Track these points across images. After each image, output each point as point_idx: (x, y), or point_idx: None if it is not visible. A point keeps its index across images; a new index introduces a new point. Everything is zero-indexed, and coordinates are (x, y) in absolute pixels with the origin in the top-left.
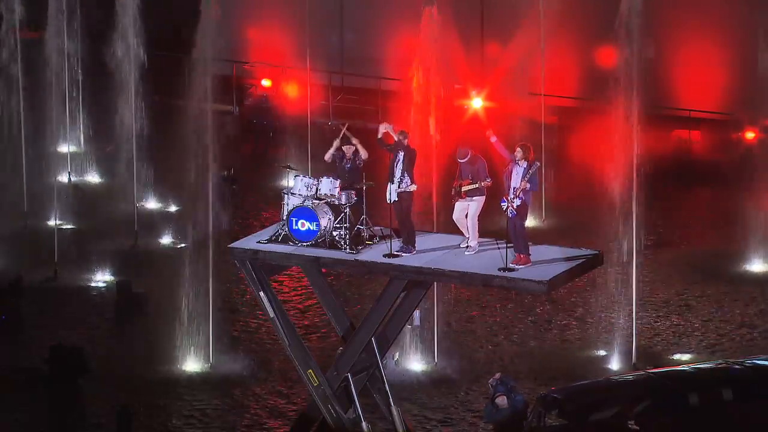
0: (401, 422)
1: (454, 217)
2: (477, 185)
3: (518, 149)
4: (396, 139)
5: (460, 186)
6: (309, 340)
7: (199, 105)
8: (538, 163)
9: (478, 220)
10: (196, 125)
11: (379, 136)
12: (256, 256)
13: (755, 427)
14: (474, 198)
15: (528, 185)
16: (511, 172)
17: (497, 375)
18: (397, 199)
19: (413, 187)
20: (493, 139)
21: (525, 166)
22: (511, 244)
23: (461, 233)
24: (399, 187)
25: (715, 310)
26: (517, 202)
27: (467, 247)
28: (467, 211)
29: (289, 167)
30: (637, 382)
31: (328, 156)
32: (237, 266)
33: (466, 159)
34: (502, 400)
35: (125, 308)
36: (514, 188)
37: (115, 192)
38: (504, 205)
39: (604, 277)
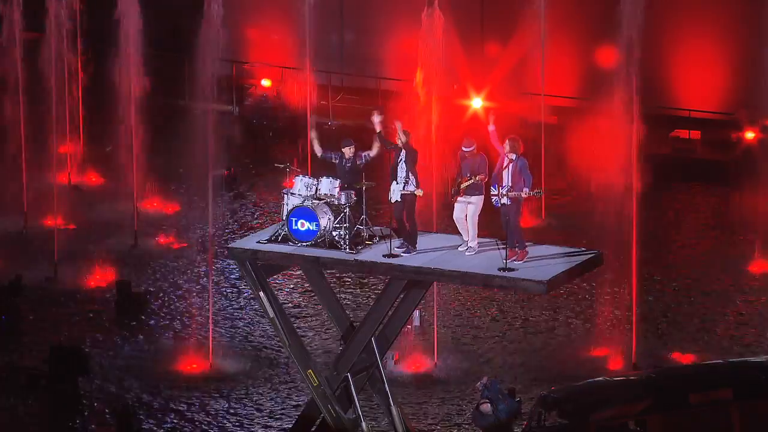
0: (401, 422)
1: (455, 216)
2: (472, 180)
3: (507, 142)
4: (399, 138)
5: (459, 183)
6: (308, 340)
7: (199, 105)
8: (525, 160)
9: (478, 220)
10: (196, 125)
11: (378, 129)
12: (256, 256)
13: (755, 427)
14: (472, 198)
15: (524, 195)
16: (503, 166)
17: (484, 379)
18: (399, 200)
19: (419, 192)
20: (491, 128)
21: (514, 159)
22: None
23: (461, 233)
24: (404, 188)
25: (715, 309)
26: (505, 200)
27: (467, 248)
28: (466, 211)
29: (289, 167)
30: (637, 382)
31: (318, 150)
32: (236, 266)
33: (471, 149)
34: (486, 407)
35: (125, 308)
36: (506, 186)
37: (115, 192)
38: (493, 193)
39: (604, 277)
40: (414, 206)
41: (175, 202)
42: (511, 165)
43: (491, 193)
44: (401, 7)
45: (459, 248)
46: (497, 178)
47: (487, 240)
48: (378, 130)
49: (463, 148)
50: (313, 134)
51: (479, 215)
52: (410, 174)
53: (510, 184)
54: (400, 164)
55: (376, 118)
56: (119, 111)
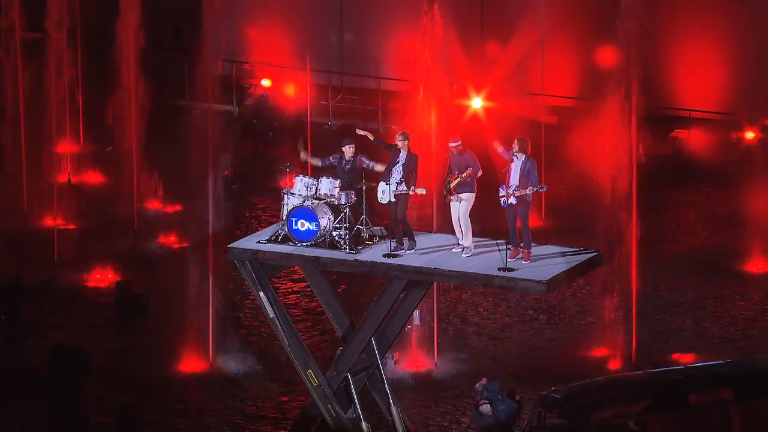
0: (401, 422)
1: (453, 218)
2: (460, 178)
3: (515, 142)
4: (397, 141)
5: (449, 182)
6: (309, 339)
7: (199, 105)
8: (533, 161)
9: (471, 218)
10: (196, 125)
11: (371, 137)
12: (256, 256)
13: (755, 427)
14: (463, 195)
15: (530, 192)
16: (510, 166)
17: (483, 380)
18: (394, 200)
19: (421, 191)
20: (500, 149)
21: (522, 159)
22: (509, 243)
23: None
24: (397, 188)
25: (715, 309)
26: (512, 200)
27: (462, 248)
28: (459, 210)
29: (289, 167)
30: (637, 382)
31: (316, 161)
32: (236, 266)
33: (456, 144)
34: (485, 408)
35: (125, 308)
36: (513, 186)
37: (115, 192)
38: (501, 194)
39: (603, 277)
40: (406, 205)
41: (176, 202)
42: (519, 165)
43: (499, 194)
44: (401, 7)
45: (453, 249)
46: (505, 178)
47: (487, 240)
48: (371, 138)
49: (450, 144)
50: (300, 148)
51: (472, 213)
52: (405, 177)
53: (517, 183)
54: (396, 167)
55: (361, 132)
56: (119, 111)
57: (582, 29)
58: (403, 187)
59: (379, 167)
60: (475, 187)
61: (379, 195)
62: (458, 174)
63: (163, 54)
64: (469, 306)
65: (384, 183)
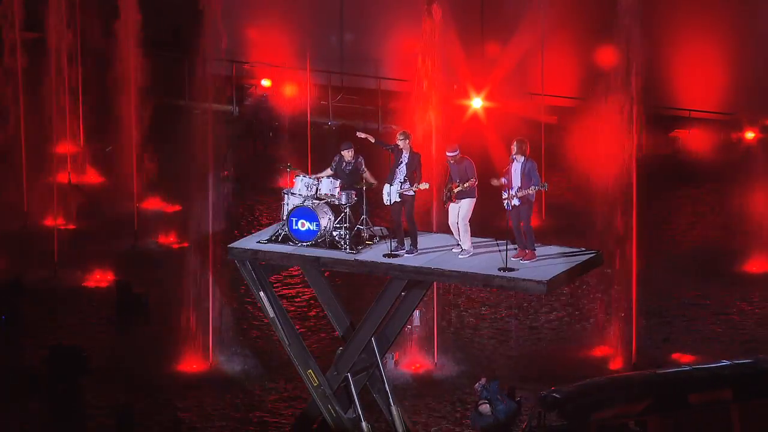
0: (401, 422)
1: (450, 222)
2: (461, 188)
3: (514, 144)
4: (398, 140)
5: (450, 189)
6: (308, 340)
7: (199, 105)
8: (533, 162)
9: (470, 222)
10: (196, 125)
11: (371, 140)
12: (256, 256)
13: (755, 427)
14: (464, 201)
15: (531, 191)
16: (511, 169)
17: (483, 380)
18: (399, 200)
19: (424, 186)
20: (499, 182)
21: (522, 161)
22: (513, 243)
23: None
24: (401, 188)
25: (716, 309)
26: (515, 201)
27: (461, 250)
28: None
29: (289, 167)
30: (637, 382)
31: (328, 172)
32: (237, 266)
33: (454, 153)
34: (484, 408)
35: (125, 308)
36: (515, 188)
37: (115, 192)
38: (504, 197)
39: (603, 277)
40: (413, 206)
41: (176, 202)
42: (519, 167)
43: (502, 197)
44: (401, 7)
45: (453, 250)
46: (507, 181)
47: (487, 240)
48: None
49: (447, 153)
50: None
51: (471, 216)
52: (409, 177)
53: (519, 185)
54: (399, 167)
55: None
56: (119, 111)
57: (582, 29)
58: (406, 186)
59: (374, 180)
60: (476, 192)
61: (384, 196)
62: (459, 182)
63: (163, 54)
64: (470, 306)
65: (388, 185)
